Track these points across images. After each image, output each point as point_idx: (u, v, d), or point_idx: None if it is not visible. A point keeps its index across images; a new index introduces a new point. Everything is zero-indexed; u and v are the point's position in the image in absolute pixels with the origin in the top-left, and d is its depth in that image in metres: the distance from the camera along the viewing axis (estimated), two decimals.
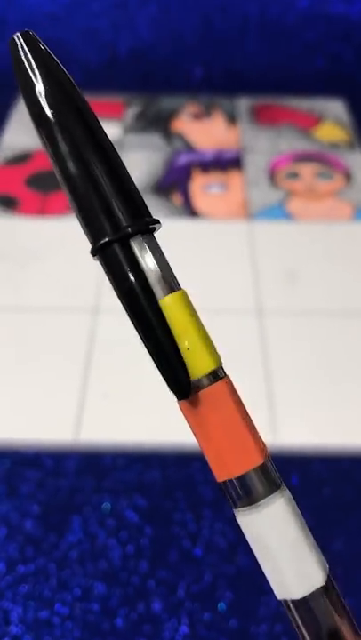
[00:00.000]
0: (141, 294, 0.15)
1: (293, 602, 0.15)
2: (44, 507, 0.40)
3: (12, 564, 0.37)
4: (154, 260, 0.15)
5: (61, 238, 0.59)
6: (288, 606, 0.15)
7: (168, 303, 0.15)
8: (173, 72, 0.82)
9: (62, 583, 0.37)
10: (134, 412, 0.45)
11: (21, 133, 0.72)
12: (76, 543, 0.38)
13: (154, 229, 0.15)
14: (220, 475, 0.15)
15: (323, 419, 0.45)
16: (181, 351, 0.15)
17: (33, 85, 0.15)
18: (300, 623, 0.15)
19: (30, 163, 0.68)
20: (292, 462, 0.42)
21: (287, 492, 0.15)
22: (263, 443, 0.15)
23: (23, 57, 0.15)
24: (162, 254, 0.15)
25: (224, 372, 0.15)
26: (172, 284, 0.15)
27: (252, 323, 0.51)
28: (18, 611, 0.36)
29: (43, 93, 0.15)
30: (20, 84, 0.15)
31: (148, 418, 0.44)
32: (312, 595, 0.15)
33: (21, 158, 0.69)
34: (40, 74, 0.15)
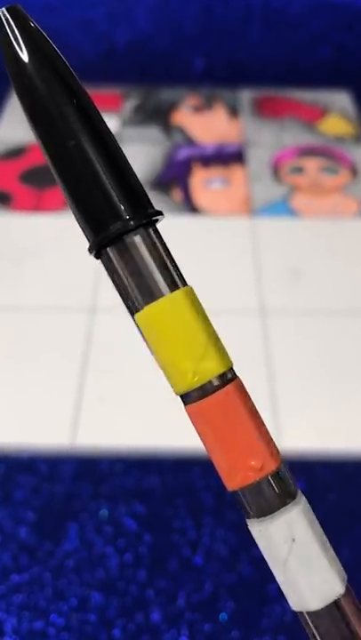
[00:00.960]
0: (125, 303, 0.15)
1: (309, 613, 0.15)
2: (39, 513, 0.40)
3: (6, 573, 0.37)
4: (137, 265, 0.14)
5: (57, 235, 0.59)
6: (304, 617, 0.15)
7: (138, 319, 0.14)
8: (173, 63, 0.82)
9: (58, 593, 0.37)
10: (132, 415, 0.45)
11: (15, 127, 0.72)
12: (72, 551, 0.38)
13: (156, 221, 0.15)
14: (231, 484, 0.15)
15: (327, 421, 0.45)
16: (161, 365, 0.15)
17: (19, 60, 0.14)
18: (315, 634, 0.15)
19: (25, 157, 0.68)
20: (295, 467, 0.42)
21: (303, 500, 0.15)
22: (277, 449, 0.15)
23: (9, 31, 0.14)
24: (154, 253, 0.14)
25: (231, 376, 0.15)
26: (148, 294, 0.14)
27: (255, 322, 0.51)
28: (12, 621, 0.36)
29: (30, 69, 0.14)
30: (6, 61, 0.14)
31: (146, 421, 0.44)
32: (328, 607, 0.15)
33: (15, 153, 0.69)
34: (27, 48, 0.14)
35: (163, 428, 0.44)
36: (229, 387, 0.14)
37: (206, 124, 0.74)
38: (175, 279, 0.14)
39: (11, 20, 0.14)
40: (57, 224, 0.60)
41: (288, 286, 0.54)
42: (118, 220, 0.14)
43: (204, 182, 0.66)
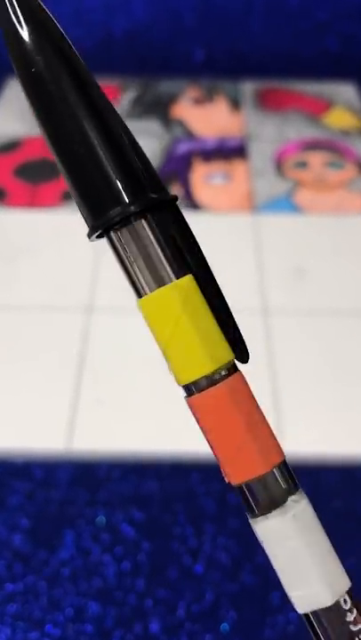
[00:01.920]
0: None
1: (317, 613, 0.15)
2: (33, 520, 0.40)
3: (0, 582, 0.37)
4: (132, 254, 0.14)
5: (53, 232, 0.59)
6: (311, 618, 0.15)
7: (141, 305, 0.14)
8: (172, 54, 0.82)
9: (53, 602, 0.37)
10: (130, 418, 0.45)
11: (10, 120, 0.72)
12: (68, 559, 0.38)
13: (165, 205, 0.14)
14: (236, 478, 0.15)
15: (332, 424, 0.44)
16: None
17: (16, 31, 0.14)
18: (322, 636, 0.15)
19: (19, 151, 0.68)
20: (299, 471, 0.42)
21: (283, 517, 0.15)
22: (278, 443, 0.15)
23: (9, 6, 0.14)
24: (157, 241, 0.14)
25: (231, 370, 0.15)
26: (141, 285, 0.14)
27: (258, 322, 0.51)
28: (6, 632, 0.36)
29: (28, 41, 0.14)
30: (4, 32, 0.14)
31: (144, 425, 0.44)
32: (339, 602, 0.15)
33: (10, 147, 0.69)
34: (25, 20, 0.14)
35: (162, 431, 0.44)
36: (220, 385, 0.15)
37: (207, 116, 0.74)
38: (169, 272, 0.14)
39: None
40: (52, 220, 0.60)
41: (291, 285, 0.54)
42: (117, 205, 0.14)
43: (204, 177, 0.66)
